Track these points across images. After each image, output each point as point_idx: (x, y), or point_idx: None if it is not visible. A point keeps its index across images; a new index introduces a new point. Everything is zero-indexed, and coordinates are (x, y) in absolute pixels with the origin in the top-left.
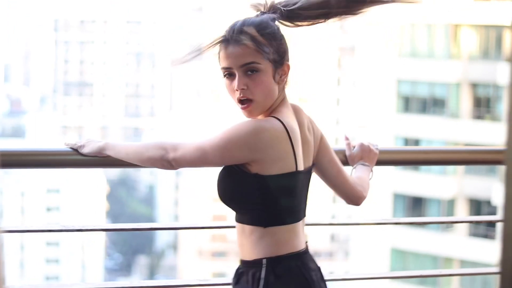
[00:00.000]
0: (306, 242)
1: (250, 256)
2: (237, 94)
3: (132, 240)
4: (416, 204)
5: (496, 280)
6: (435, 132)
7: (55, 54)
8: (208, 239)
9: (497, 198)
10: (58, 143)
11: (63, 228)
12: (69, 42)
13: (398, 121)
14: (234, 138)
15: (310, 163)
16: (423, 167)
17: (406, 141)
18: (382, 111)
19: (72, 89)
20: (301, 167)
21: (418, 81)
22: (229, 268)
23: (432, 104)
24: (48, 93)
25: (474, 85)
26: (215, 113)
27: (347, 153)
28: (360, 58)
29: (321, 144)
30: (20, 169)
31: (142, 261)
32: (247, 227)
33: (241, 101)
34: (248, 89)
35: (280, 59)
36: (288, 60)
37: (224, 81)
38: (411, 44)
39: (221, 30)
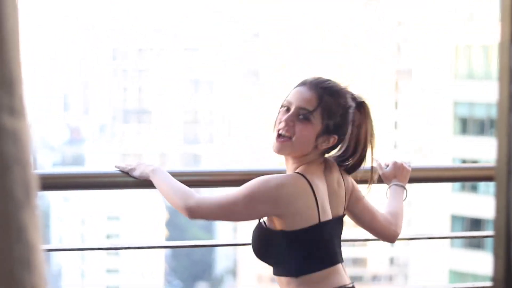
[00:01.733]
0: (352, 283)
1: None
2: (280, 125)
3: (192, 267)
4: (474, 226)
5: None
6: (493, 154)
7: (114, 83)
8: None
9: None
10: (108, 166)
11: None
12: (127, 70)
13: (456, 143)
14: (257, 194)
15: (341, 213)
16: (482, 188)
17: (464, 163)
18: (440, 134)
19: (131, 117)
20: (327, 217)
21: (475, 102)
22: None
23: (490, 126)
24: (107, 121)
25: None
26: (272, 139)
27: (380, 172)
28: (417, 81)
29: (352, 196)
30: (71, 191)
31: (202, 287)
32: (283, 278)
33: (279, 135)
34: (291, 128)
35: (332, 129)
36: (339, 136)
37: (279, 111)
38: (467, 65)
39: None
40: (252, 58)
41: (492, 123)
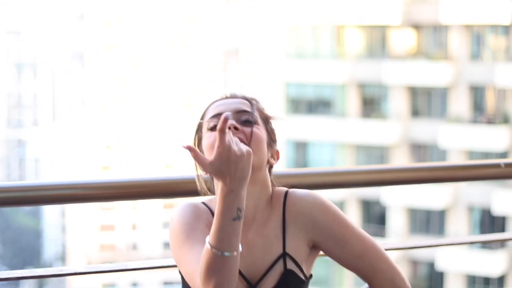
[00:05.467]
0: None
1: None
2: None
3: (20, 253)
4: None
5: None
6: (324, 134)
7: None
8: (96, 248)
9: (386, 198)
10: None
11: None
12: None
13: (287, 124)
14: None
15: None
16: None
17: (296, 144)
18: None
19: None
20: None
21: (305, 83)
22: (119, 279)
23: (319, 106)
24: None
25: (361, 85)
26: (100, 122)
27: None
28: (245, 61)
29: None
30: None
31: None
32: None
33: None
34: (242, 133)
35: (273, 140)
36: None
37: (205, 138)
38: (297, 45)
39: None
40: (76, 40)
41: (323, 103)
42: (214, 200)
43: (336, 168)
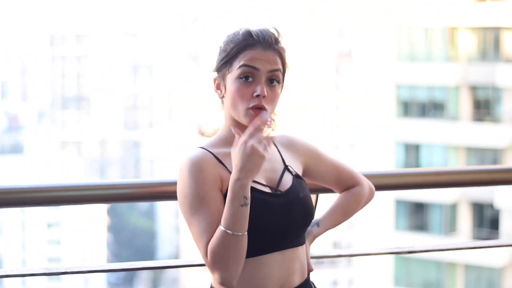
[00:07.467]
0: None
1: None
2: (254, 101)
3: (134, 254)
4: (418, 210)
5: None
6: (435, 136)
7: (52, 69)
8: None
9: (500, 201)
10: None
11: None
12: (66, 57)
13: (398, 126)
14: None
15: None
16: None
17: (407, 146)
18: (382, 117)
19: (70, 103)
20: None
21: (417, 85)
22: None
23: (431, 108)
24: (46, 108)
25: (473, 88)
26: (214, 122)
27: None
28: (358, 63)
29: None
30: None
31: (144, 274)
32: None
33: (255, 109)
34: (266, 98)
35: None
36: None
37: (235, 83)
38: (409, 48)
39: (246, 33)
40: (191, 42)
41: (434, 105)
42: (215, 141)
43: (448, 168)
